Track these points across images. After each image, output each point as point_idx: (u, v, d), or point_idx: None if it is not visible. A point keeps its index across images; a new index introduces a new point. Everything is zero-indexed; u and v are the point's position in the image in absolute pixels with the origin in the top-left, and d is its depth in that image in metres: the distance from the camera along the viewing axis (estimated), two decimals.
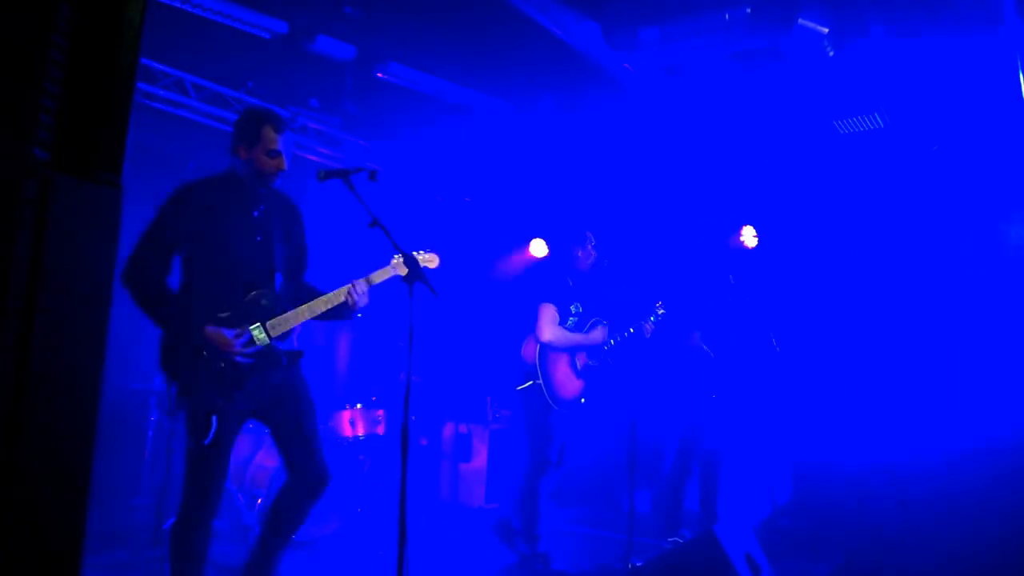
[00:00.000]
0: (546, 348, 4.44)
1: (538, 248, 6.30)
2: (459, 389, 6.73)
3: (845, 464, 5.50)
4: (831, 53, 4.83)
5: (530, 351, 4.49)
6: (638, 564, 4.15)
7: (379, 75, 5.59)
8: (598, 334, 4.59)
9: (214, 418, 2.81)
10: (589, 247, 4.64)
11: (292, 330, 3.09)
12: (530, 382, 4.48)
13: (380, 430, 5.49)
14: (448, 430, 6.53)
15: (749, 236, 5.76)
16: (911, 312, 5.67)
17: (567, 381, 4.53)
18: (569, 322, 4.55)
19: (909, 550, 4.60)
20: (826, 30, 4.64)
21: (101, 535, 4.44)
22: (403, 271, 3.06)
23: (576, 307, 4.62)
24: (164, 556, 2.85)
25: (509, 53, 5.48)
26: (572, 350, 4.55)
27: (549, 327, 4.39)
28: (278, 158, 3.01)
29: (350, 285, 3.12)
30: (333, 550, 4.77)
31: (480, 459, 6.37)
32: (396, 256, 3.20)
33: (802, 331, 6.19)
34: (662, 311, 4.77)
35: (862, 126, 5.47)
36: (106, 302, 1.09)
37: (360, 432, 5.36)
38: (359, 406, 5.42)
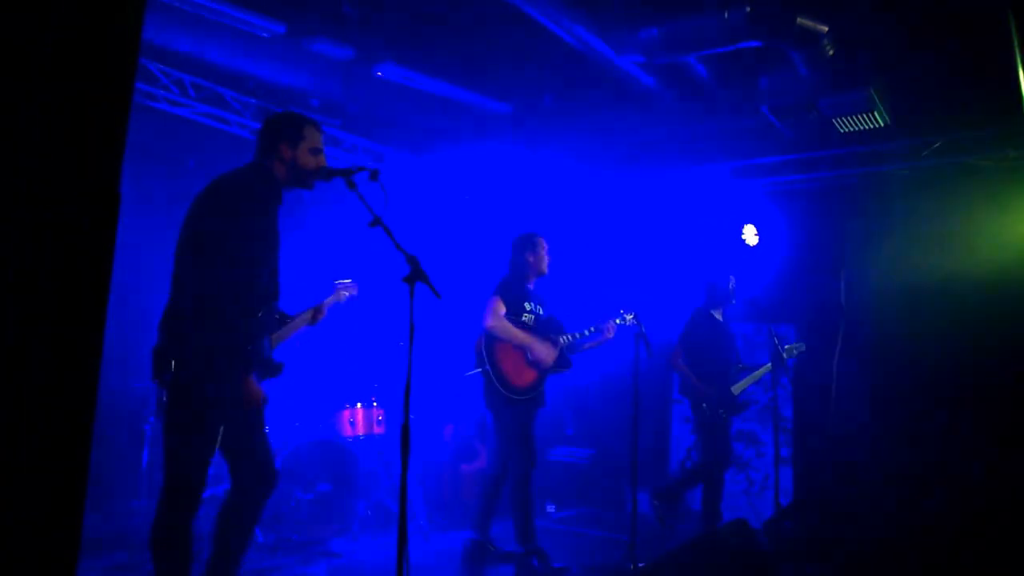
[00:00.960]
0: (492, 338, 4.48)
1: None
2: (459, 389, 6.72)
3: (846, 465, 5.50)
4: (831, 52, 4.82)
5: (479, 342, 4.55)
6: (640, 565, 4.14)
7: (378, 74, 5.58)
8: (544, 348, 4.56)
9: (220, 424, 2.82)
10: (542, 252, 4.72)
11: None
12: (478, 369, 4.54)
13: (380, 430, 5.49)
14: (449, 430, 6.53)
15: (751, 235, 5.76)
16: (913, 315, 5.66)
17: (518, 370, 4.52)
18: (524, 318, 4.61)
19: (909, 551, 4.60)
20: (826, 28, 4.63)
21: (100, 538, 4.43)
22: (343, 298, 3.76)
23: (531, 307, 4.68)
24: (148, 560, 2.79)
25: (508, 53, 5.47)
26: (510, 343, 4.52)
27: (493, 316, 4.46)
28: (320, 156, 3.05)
29: (325, 303, 3.55)
30: (333, 550, 4.77)
31: (481, 459, 6.37)
32: (339, 283, 3.80)
33: (802, 331, 6.19)
34: (631, 317, 4.73)
35: (861, 124, 5.46)
36: (103, 303, 1.09)
37: (360, 432, 5.36)
38: (359, 406, 5.41)
